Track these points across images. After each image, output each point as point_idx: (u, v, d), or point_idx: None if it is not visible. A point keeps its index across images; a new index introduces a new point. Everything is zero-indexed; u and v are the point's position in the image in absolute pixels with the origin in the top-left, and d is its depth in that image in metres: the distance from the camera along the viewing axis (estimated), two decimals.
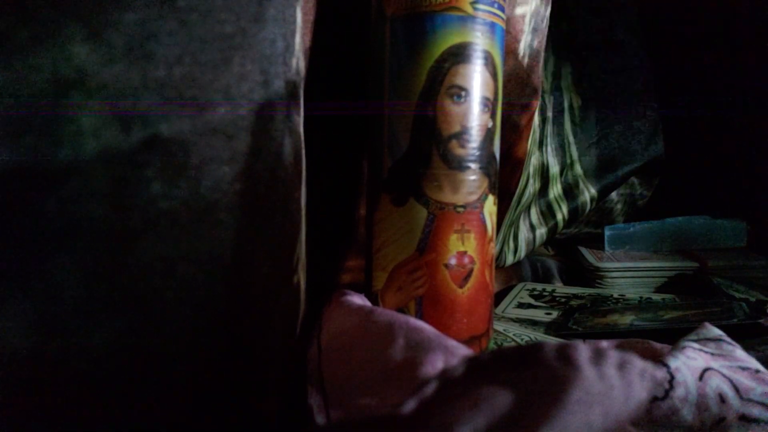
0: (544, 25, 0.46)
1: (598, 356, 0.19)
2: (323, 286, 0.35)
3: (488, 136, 0.32)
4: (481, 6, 0.31)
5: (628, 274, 0.58)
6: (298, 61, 0.26)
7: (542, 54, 0.47)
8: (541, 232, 0.66)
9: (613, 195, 0.78)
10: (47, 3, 0.19)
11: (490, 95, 0.32)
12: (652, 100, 0.78)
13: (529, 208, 0.65)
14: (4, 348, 0.19)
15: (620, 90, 0.76)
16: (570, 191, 0.72)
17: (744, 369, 0.24)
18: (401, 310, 0.32)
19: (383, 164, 0.33)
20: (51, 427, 0.21)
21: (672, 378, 0.22)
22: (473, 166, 0.32)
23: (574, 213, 0.71)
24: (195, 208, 0.22)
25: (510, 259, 0.60)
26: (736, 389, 0.22)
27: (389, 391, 0.23)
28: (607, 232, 0.66)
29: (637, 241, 0.66)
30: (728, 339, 0.26)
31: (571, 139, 0.74)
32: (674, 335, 0.28)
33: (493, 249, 0.35)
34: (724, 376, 0.23)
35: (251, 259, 0.24)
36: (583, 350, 0.19)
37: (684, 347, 0.25)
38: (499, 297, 0.52)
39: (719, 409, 0.22)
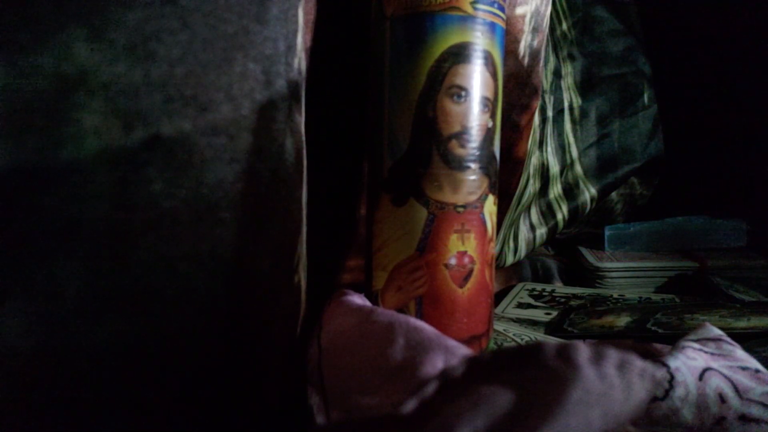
0: (545, 24, 0.46)
1: (598, 356, 0.19)
2: (323, 286, 0.35)
3: (488, 136, 0.32)
4: (481, 6, 0.31)
5: (628, 274, 0.58)
6: (300, 61, 0.26)
7: (542, 54, 0.47)
8: (541, 232, 0.66)
9: (613, 195, 0.78)
10: (49, 2, 0.19)
11: (490, 95, 0.32)
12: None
13: (529, 208, 0.65)
14: (5, 347, 0.20)
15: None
16: (570, 191, 0.72)
17: (744, 369, 0.24)
18: (401, 310, 0.32)
19: (383, 164, 0.33)
20: (51, 426, 0.21)
21: (672, 378, 0.22)
22: (473, 166, 0.32)
23: (574, 213, 0.71)
24: (196, 207, 0.22)
25: (510, 259, 0.60)
26: (736, 389, 0.22)
27: (389, 391, 0.23)
28: (607, 232, 0.66)
29: (637, 241, 0.66)
30: (728, 339, 0.26)
31: (571, 139, 0.74)
32: (671, 337, 0.28)
33: (493, 249, 0.35)
34: (724, 376, 0.23)
35: (252, 259, 0.24)
36: (583, 350, 0.19)
37: (684, 347, 0.25)
38: (499, 297, 0.52)
39: (719, 409, 0.22)
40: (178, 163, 0.21)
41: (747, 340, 0.32)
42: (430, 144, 0.31)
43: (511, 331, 0.42)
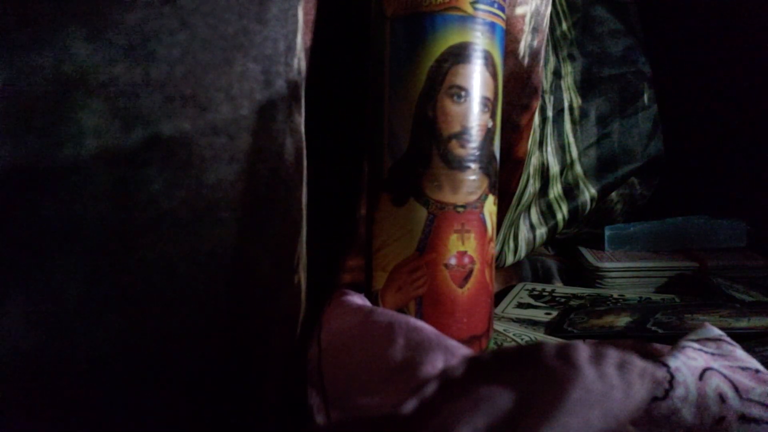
0: (545, 25, 0.46)
1: (598, 356, 0.19)
2: (324, 286, 0.35)
3: (488, 136, 0.32)
4: (481, 6, 0.31)
5: (628, 274, 0.58)
6: (300, 61, 0.26)
7: (542, 54, 0.47)
8: (541, 232, 0.66)
9: (613, 195, 0.78)
10: (49, 2, 0.19)
11: (490, 95, 0.32)
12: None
13: (529, 208, 0.65)
14: (5, 347, 0.19)
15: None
16: (570, 191, 0.72)
17: (744, 369, 0.24)
18: (401, 310, 0.32)
19: (383, 164, 0.33)
20: (52, 426, 0.21)
21: (672, 378, 0.22)
22: (473, 166, 0.32)
23: (574, 213, 0.71)
24: (196, 207, 0.22)
25: (510, 259, 0.60)
26: (736, 389, 0.22)
27: (389, 391, 0.23)
28: (607, 232, 0.66)
29: (637, 241, 0.66)
30: (728, 339, 0.26)
31: (571, 139, 0.74)
32: (671, 337, 0.28)
33: (493, 249, 0.35)
34: (724, 376, 0.23)
35: (252, 259, 0.24)
36: (583, 350, 0.19)
37: (684, 347, 0.25)
38: (499, 297, 0.52)
39: (719, 409, 0.22)
40: (177, 163, 0.21)
41: (747, 340, 0.32)
42: (430, 144, 0.31)
43: (511, 331, 0.42)
